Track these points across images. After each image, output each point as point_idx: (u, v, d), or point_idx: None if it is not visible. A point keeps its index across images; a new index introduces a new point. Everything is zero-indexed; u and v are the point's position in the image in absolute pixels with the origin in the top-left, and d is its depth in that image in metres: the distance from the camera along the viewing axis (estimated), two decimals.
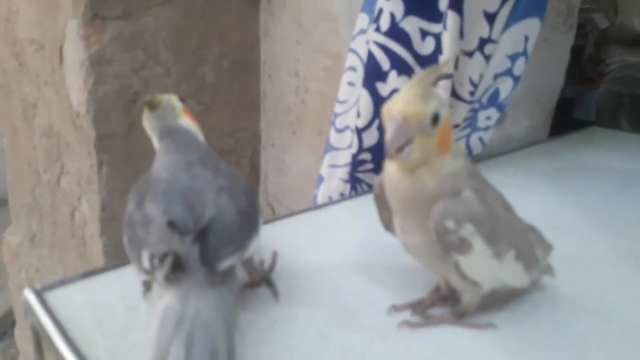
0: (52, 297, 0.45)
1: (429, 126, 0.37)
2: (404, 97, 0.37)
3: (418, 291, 0.48)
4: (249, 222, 0.42)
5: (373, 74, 0.72)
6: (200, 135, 0.50)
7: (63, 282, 0.47)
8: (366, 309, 0.46)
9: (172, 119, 0.49)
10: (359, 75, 0.75)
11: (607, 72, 1.58)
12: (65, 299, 0.45)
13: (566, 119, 1.54)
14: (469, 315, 0.45)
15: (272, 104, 1.11)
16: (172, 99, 0.50)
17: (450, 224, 0.39)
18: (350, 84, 0.77)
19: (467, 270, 0.41)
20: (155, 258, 0.38)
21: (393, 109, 0.37)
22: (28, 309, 0.44)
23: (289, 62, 1.04)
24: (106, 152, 0.94)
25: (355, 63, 0.76)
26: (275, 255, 0.52)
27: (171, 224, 0.39)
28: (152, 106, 0.49)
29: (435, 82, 0.38)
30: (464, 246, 0.39)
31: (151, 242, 0.39)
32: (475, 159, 0.86)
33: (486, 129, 0.80)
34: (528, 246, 0.44)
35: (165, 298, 0.36)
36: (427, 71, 0.38)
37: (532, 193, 0.76)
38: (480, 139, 0.82)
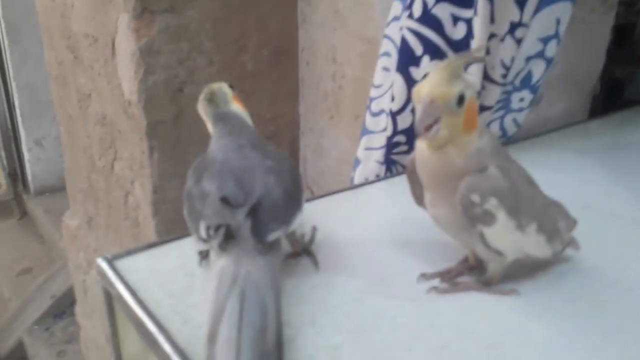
0: (121, 265, 0.52)
1: (454, 106, 0.41)
2: (431, 80, 0.41)
3: (447, 262, 0.53)
4: (293, 200, 0.49)
5: (407, 59, 0.76)
6: (249, 120, 0.57)
7: (129, 252, 0.54)
8: (397, 277, 0.51)
9: (224, 105, 0.56)
10: (393, 61, 0.79)
11: None
12: (133, 266, 0.52)
13: (617, 99, 1.52)
14: (494, 283, 0.49)
15: (310, 90, 1.16)
16: (223, 87, 0.57)
17: (475, 197, 0.43)
18: (385, 69, 0.81)
19: (492, 240, 0.45)
20: (211, 229, 0.44)
21: (421, 91, 0.41)
22: (102, 274, 0.52)
23: (326, 49, 1.09)
24: (156, 139, 1.02)
25: (389, 49, 0.80)
26: (314, 229, 0.58)
27: (224, 199, 0.45)
28: (210, 99, 0.55)
29: (463, 67, 0.42)
30: (488, 218, 0.43)
31: (207, 214, 0.45)
32: (510, 140, 0.88)
33: (520, 110, 0.83)
34: (550, 219, 0.48)
35: (221, 262, 0.43)
36: (455, 57, 0.42)
37: (565, 173, 0.78)
38: (515, 120, 0.85)
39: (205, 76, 1.05)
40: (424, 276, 0.50)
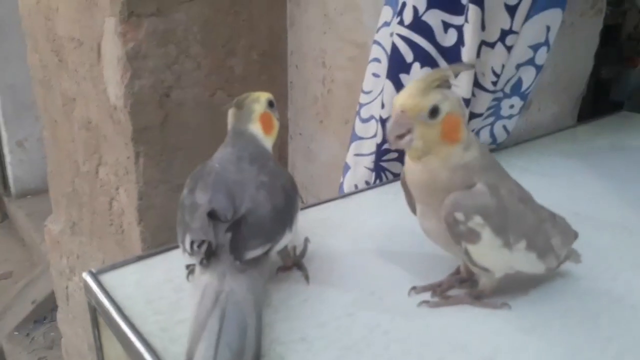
0: (106, 279, 0.52)
1: (427, 118, 0.41)
2: (405, 91, 0.42)
3: (439, 274, 0.53)
4: (282, 218, 0.48)
5: (397, 66, 0.76)
6: (266, 141, 0.54)
7: (115, 266, 0.53)
8: (389, 290, 0.51)
9: (244, 123, 0.54)
10: (383, 67, 0.79)
11: None
12: (119, 281, 0.51)
13: (603, 101, 1.53)
14: (486, 296, 0.49)
15: (299, 94, 1.16)
16: (255, 104, 0.54)
17: (460, 215, 0.43)
18: (375, 74, 0.81)
19: (477, 258, 0.45)
20: (195, 243, 0.44)
21: (396, 102, 0.42)
22: (87, 289, 0.51)
23: (316, 53, 1.08)
24: (142, 144, 1.01)
25: (379, 54, 0.80)
26: (306, 241, 0.57)
27: (211, 214, 0.45)
28: (239, 106, 0.54)
29: (441, 82, 0.43)
30: (473, 236, 0.43)
31: (194, 228, 0.45)
32: (500, 146, 0.89)
33: (510, 117, 0.84)
34: (542, 236, 0.47)
35: (205, 278, 0.43)
36: (435, 70, 0.43)
37: (555, 178, 0.79)
38: (505, 127, 0.85)
39: (192, 80, 1.04)
40: (415, 290, 0.50)
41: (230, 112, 0.54)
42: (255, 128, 0.54)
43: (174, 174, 1.06)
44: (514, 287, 0.51)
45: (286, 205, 0.49)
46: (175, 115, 1.03)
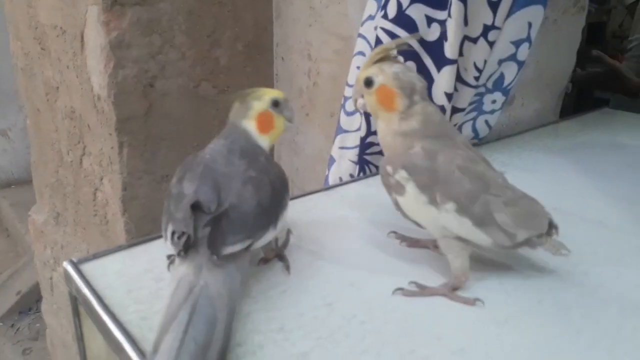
0: (87, 268, 0.52)
1: (364, 87, 0.53)
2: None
3: (418, 267, 0.54)
4: (267, 214, 0.48)
5: None
6: (260, 140, 0.54)
7: (96, 256, 0.54)
8: (368, 282, 0.52)
9: (240, 118, 0.54)
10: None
11: (628, 49, 1.59)
12: (99, 270, 0.52)
13: (587, 98, 1.55)
14: (461, 286, 0.50)
15: (285, 86, 1.16)
16: (255, 102, 0.53)
17: (389, 168, 0.51)
18: (359, 68, 0.82)
19: (407, 210, 0.51)
20: (176, 234, 0.44)
21: None
22: (68, 278, 0.51)
23: (301, 45, 1.09)
24: (126, 134, 1.01)
25: (364, 48, 0.80)
26: (288, 233, 0.58)
27: (195, 206, 0.45)
28: (241, 100, 0.54)
29: (385, 56, 0.53)
30: (398, 188, 0.50)
31: (177, 218, 0.45)
32: (483, 141, 0.90)
33: (492, 112, 0.85)
34: (480, 206, 0.48)
35: (182, 269, 0.43)
36: (380, 46, 0.54)
37: (536, 173, 0.80)
38: (487, 122, 0.86)
39: (177, 71, 1.04)
40: (396, 235, 0.58)
41: (235, 105, 0.54)
42: (249, 125, 0.53)
43: (157, 164, 1.06)
44: (488, 277, 0.52)
45: (272, 201, 0.49)
46: (160, 105, 1.03)
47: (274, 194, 0.49)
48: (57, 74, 1.16)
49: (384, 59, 0.53)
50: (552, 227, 0.51)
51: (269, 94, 0.54)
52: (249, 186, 0.48)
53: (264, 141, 0.54)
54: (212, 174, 0.48)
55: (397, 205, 0.52)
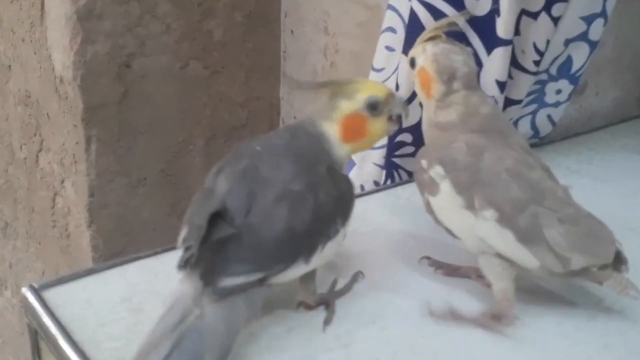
0: (51, 295, 0.55)
1: (409, 67, 0.62)
2: None
3: (453, 299, 0.56)
4: (297, 243, 0.47)
5: (415, 38, 0.78)
6: (340, 148, 0.54)
7: (61, 280, 0.57)
8: (393, 319, 0.54)
9: (321, 117, 0.54)
10: (399, 39, 0.81)
11: None
12: (66, 298, 0.55)
13: None
14: (504, 314, 0.52)
15: (295, 66, 1.18)
16: (344, 102, 0.53)
17: (424, 162, 0.54)
18: (389, 48, 0.84)
19: (438, 212, 0.54)
20: (186, 242, 0.45)
21: None
22: (27, 308, 0.54)
23: (316, 16, 1.11)
24: (96, 126, 1.03)
25: (394, 23, 0.82)
26: (357, 275, 0.58)
27: (217, 214, 0.45)
28: (331, 93, 0.54)
29: (435, 35, 0.60)
30: (432, 186, 0.53)
31: (195, 223, 0.45)
32: (544, 140, 0.92)
33: (556, 104, 0.86)
34: (527, 217, 0.50)
35: (183, 287, 0.45)
36: (431, 25, 0.64)
37: (610, 183, 0.81)
38: (550, 117, 0.88)
39: (160, 47, 1.06)
40: (429, 261, 0.60)
41: (324, 98, 0.55)
42: (331, 129, 0.53)
43: (134, 164, 1.08)
44: (545, 313, 0.54)
45: (312, 227, 0.48)
46: (138, 90, 1.06)
47: (318, 218, 0.48)
48: (10, 49, 1.19)
49: (434, 37, 0.60)
50: (620, 260, 0.52)
51: (364, 91, 0.54)
52: (283, 203, 0.47)
53: (343, 149, 0.54)
54: (252, 175, 0.49)
55: (428, 207, 0.55)
